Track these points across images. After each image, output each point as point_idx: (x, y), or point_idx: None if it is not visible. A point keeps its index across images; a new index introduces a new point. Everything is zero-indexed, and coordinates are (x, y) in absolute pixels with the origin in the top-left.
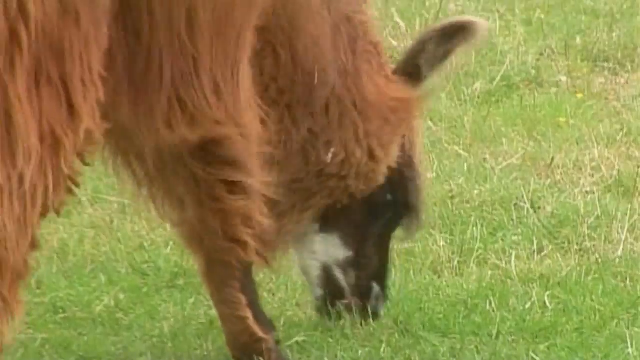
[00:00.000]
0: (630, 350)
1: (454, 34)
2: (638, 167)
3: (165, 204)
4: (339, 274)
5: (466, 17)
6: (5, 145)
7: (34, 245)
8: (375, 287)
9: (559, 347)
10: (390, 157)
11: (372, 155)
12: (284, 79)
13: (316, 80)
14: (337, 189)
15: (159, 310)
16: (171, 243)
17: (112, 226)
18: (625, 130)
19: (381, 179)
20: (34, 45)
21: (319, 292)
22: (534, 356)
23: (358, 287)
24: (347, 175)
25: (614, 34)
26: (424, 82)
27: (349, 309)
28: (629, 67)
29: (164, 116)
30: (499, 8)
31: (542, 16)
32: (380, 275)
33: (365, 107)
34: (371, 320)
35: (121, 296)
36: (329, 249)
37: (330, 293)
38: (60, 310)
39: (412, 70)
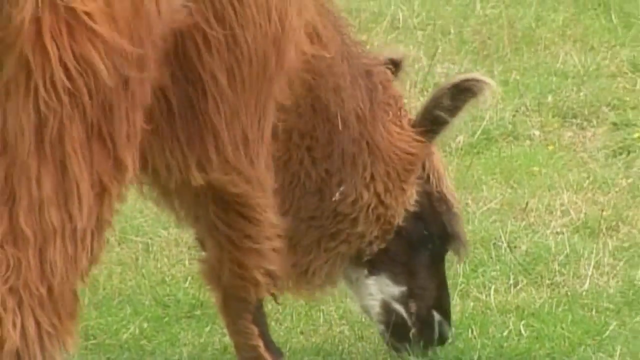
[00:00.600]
0: None
1: (465, 90)
2: (602, 211)
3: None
4: (398, 307)
5: (476, 75)
6: (60, 192)
7: (83, 281)
8: (436, 315)
9: None
10: (401, 205)
11: (380, 200)
12: (305, 124)
13: (340, 126)
14: (352, 234)
15: (179, 337)
16: (189, 278)
17: (137, 263)
18: (591, 179)
19: (394, 225)
20: (89, 105)
21: (382, 327)
22: None
23: (419, 317)
24: (357, 218)
25: (581, 93)
26: (440, 132)
27: (414, 338)
28: (595, 123)
29: (198, 161)
30: (479, 70)
31: (518, 77)
32: (440, 303)
33: (375, 152)
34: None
35: (145, 325)
36: (383, 288)
37: (394, 325)
38: (92, 337)
39: (429, 121)
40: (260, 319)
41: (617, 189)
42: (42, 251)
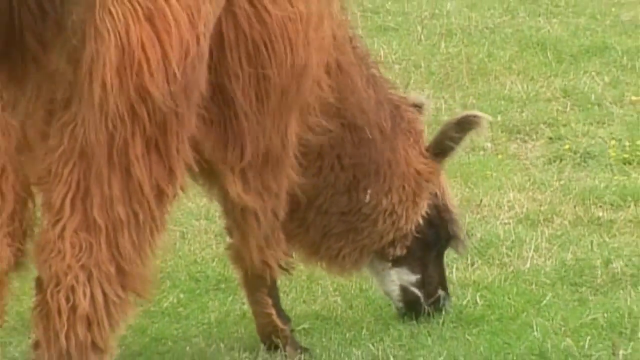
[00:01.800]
0: (535, 333)
1: (466, 124)
2: (540, 206)
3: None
4: (415, 290)
5: (474, 112)
6: (126, 192)
7: (146, 263)
8: (441, 292)
9: (486, 331)
10: (411, 217)
11: (393, 209)
12: (335, 137)
13: (370, 136)
14: (373, 232)
15: (208, 305)
16: (216, 259)
17: (175, 247)
18: (531, 181)
19: (408, 231)
20: (148, 125)
21: (400, 305)
22: (469, 337)
23: (429, 295)
24: (377, 220)
25: (524, 114)
26: (448, 157)
27: (425, 311)
28: (534, 137)
29: (230, 171)
30: (444, 95)
31: (474, 101)
32: (443, 283)
33: (394, 169)
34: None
35: (181, 296)
36: (402, 277)
37: (410, 303)
38: (139, 305)
39: (439, 148)
40: (273, 292)
41: (551, 189)
42: (111, 238)
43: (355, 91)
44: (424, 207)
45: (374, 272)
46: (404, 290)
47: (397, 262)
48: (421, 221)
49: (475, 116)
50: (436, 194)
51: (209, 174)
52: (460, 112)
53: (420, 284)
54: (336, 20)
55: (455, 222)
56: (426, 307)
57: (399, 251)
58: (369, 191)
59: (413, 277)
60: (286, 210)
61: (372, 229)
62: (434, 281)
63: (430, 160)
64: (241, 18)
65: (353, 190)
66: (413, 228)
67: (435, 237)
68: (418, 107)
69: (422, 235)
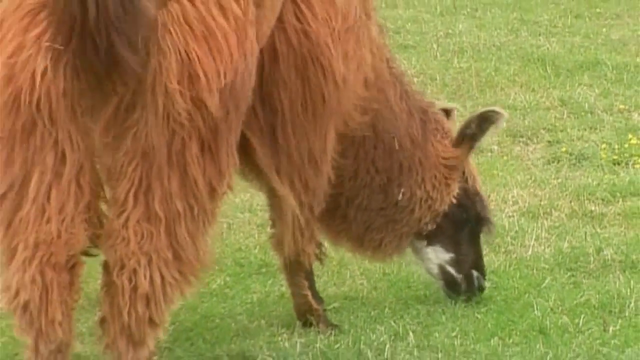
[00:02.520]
0: (536, 312)
1: (488, 118)
2: (540, 201)
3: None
4: (450, 268)
5: (495, 107)
6: (183, 188)
7: (200, 250)
8: (475, 273)
9: (493, 310)
10: (445, 198)
11: (429, 195)
12: (369, 144)
13: (397, 146)
14: (411, 220)
15: (251, 287)
16: (258, 246)
17: (222, 236)
18: (532, 179)
19: (440, 212)
20: (202, 129)
21: (441, 282)
22: (478, 315)
23: (464, 275)
24: (414, 209)
25: (526, 121)
26: (473, 145)
27: (462, 289)
28: (535, 141)
29: (282, 169)
30: (456, 104)
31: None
32: (478, 264)
33: (425, 163)
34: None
35: (227, 279)
36: (438, 255)
37: (447, 282)
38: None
39: (464, 140)
40: (309, 275)
41: (550, 186)
42: (170, 228)
43: (388, 106)
44: (455, 189)
45: (413, 252)
46: (441, 269)
47: (431, 240)
48: (451, 202)
49: (495, 111)
50: (466, 179)
51: (257, 173)
52: (482, 108)
53: (455, 263)
54: (374, 43)
55: (483, 204)
56: (463, 286)
57: (430, 227)
58: (402, 190)
59: (447, 256)
60: (322, 206)
61: (409, 217)
62: (467, 260)
63: (455, 150)
64: (291, 34)
65: (388, 189)
66: (446, 207)
67: (465, 216)
68: (447, 112)
69: (453, 215)
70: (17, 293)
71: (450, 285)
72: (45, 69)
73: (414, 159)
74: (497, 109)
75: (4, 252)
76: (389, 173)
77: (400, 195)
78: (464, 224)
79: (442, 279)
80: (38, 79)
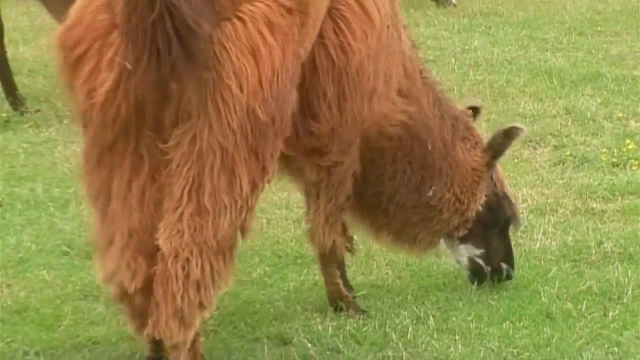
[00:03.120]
0: (543, 299)
1: (512, 133)
2: (547, 199)
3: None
4: (480, 261)
5: (517, 124)
6: (230, 185)
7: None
8: (504, 265)
9: (504, 297)
10: (474, 202)
11: (457, 198)
12: (406, 146)
13: (430, 148)
14: (441, 220)
15: (287, 276)
16: (294, 240)
17: (262, 231)
18: (540, 179)
19: (469, 217)
20: (251, 135)
21: (468, 273)
22: (491, 302)
23: (492, 266)
24: (443, 209)
25: (534, 127)
26: (499, 156)
27: (488, 279)
28: (543, 145)
29: (312, 166)
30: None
31: (496, 117)
32: (507, 258)
33: (454, 167)
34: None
35: (266, 268)
36: (469, 251)
37: (474, 271)
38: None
39: (493, 149)
40: (341, 265)
41: (556, 186)
42: (216, 220)
43: (422, 112)
44: (482, 197)
45: (448, 247)
46: (470, 260)
47: (463, 239)
48: (480, 208)
49: (518, 127)
50: (495, 184)
51: (295, 172)
52: (508, 123)
53: (484, 257)
54: (407, 56)
55: (512, 206)
56: (489, 276)
57: (462, 232)
58: (433, 188)
59: (478, 251)
60: (366, 203)
61: (439, 217)
62: (497, 254)
63: (486, 158)
64: (330, 49)
65: (422, 188)
66: (473, 214)
67: (495, 218)
68: (475, 109)
69: (483, 217)
70: (113, 273)
71: (476, 274)
72: (119, 87)
73: (446, 160)
74: (519, 125)
75: (101, 241)
76: (423, 173)
77: (431, 193)
78: (494, 225)
79: (469, 269)
80: (112, 96)
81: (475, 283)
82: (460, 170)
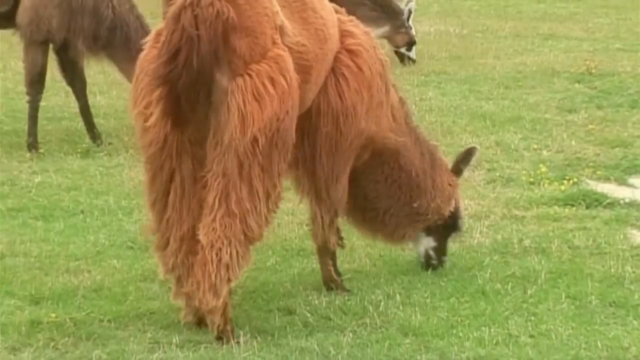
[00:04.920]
0: (479, 281)
1: (471, 152)
2: (482, 208)
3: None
4: (431, 252)
5: (474, 145)
6: (249, 194)
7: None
8: (444, 258)
9: (451, 279)
10: (447, 208)
11: (439, 205)
12: (396, 173)
13: (414, 175)
14: (426, 221)
15: (293, 264)
16: (297, 238)
17: (274, 231)
18: (477, 194)
19: (446, 216)
20: (261, 156)
21: (423, 260)
22: (441, 283)
23: (438, 256)
24: (428, 214)
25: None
26: (461, 173)
27: (435, 265)
28: (479, 168)
29: (315, 188)
30: None
31: (445, 149)
32: (445, 252)
33: (435, 185)
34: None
35: (277, 258)
36: (429, 243)
37: (428, 259)
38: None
39: (456, 169)
40: (332, 256)
41: (488, 199)
42: (242, 220)
43: (407, 149)
44: (454, 202)
45: (415, 238)
46: (426, 252)
47: (428, 232)
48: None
49: (474, 147)
50: (455, 201)
51: (298, 189)
52: (467, 146)
53: (436, 250)
54: (394, 106)
55: (461, 219)
56: (435, 263)
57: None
58: (417, 202)
59: (434, 244)
60: (367, 216)
61: (425, 219)
62: (443, 249)
63: (453, 176)
64: (331, 98)
65: (410, 201)
66: (448, 214)
67: (453, 222)
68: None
69: (442, 223)
70: (172, 269)
71: (430, 262)
72: (166, 119)
73: (427, 183)
74: (475, 146)
75: (159, 240)
76: (410, 192)
77: (416, 204)
78: (449, 228)
79: (425, 257)
80: (161, 125)
81: (431, 269)
82: (439, 187)
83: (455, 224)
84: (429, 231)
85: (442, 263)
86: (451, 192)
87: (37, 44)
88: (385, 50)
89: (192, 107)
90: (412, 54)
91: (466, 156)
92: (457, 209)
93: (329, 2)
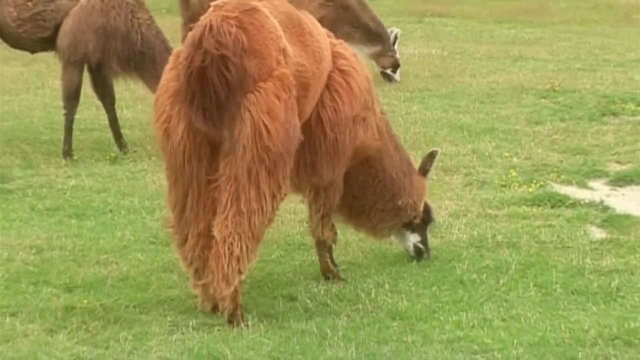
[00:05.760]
0: (458, 271)
1: (433, 154)
2: (460, 208)
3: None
4: (420, 245)
5: (436, 149)
6: (257, 196)
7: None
8: (429, 250)
9: (433, 270)
10: (421, 205)
11: (415, 202)
12: (380, 173)
13: (394, 176)
14: (404, 216)
15: (295, 257)
16: (299, 234)
17: (278, 228)
18: (456, 195)
19: (420, 212)
20: (269, 162)
21: (412, 253)
22: (425, 273)
23: (425, 248)
24: (407, 210)
25: (452, 162)
26: (428, 174)
27: (422, 256)
28: (458, 173)
29: (310, 180)
30: (412, 153)
31: None
32: (427, 242)
33: (413, 185)
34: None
35: (281, 252)
36: (414, 238)
37: (417, 253)
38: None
39: (423, 171)
40: (329, 250)
41: (466, 199)
42: (250, 219)
43: (388, 154)
44: (423, 204)
45: (399, 235)
46: (415, 245)
47: (410, 229)
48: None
49: (435, 150)
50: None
51: (301, 190)
52: (430, 150)
53: (422, 242)
54: (378, 117)
55: (432, 211)
56: (424, 254)
57: (417, 221)
58: (400, 200)
59: (418, 238)
60: (355, 212)
61: (405, 214)
62: (426, 241)
63: (423, 178)
64: (327, 109)
65: (393, 200)
66: (421, 211)
67: (427, 217)
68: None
69: (424, 216)
70: (191, 263)
71: (418, 253)
72: (184, 131)
73: (405, 183)
74: (435, 149)
75: (178, 237)
76: (393, 191)
77: (400, 202)
78: (425, 221)
79: (413, 250)
80: (180, 137)
81: (415, 261)
82: (415, 186)
83: (429, 216)
84: (413, 229)
85: (429, 252)
86: (422, 191)
87: (74, 65)
88: (373, 70)
89: (209, 120)
90: (397, 75)
91: (430, 159)
92: (426, 204)
93: (322, 28)
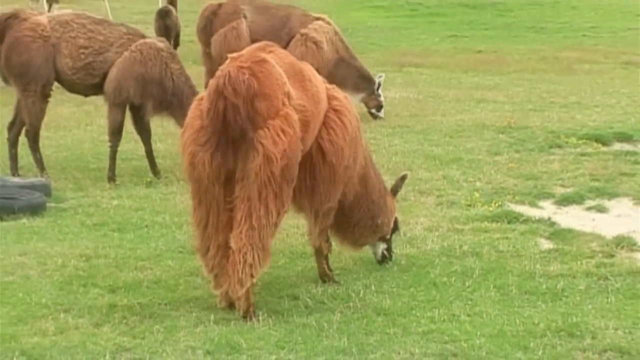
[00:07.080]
0: (431, 275)
1: (402, 179)
2: (433, 224)
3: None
4: (386, 252)
5: (405, 172)
6: (266, 212)
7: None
8: (392, 255)
9: (410, 274)
10: (392, 220)
11: (389, 219)
12: (363, 199)
13: (374, 198)
14: (380, 232)
15: (297, 263)
16: (300, 244)
17: (283, 240)
18: (430, 213)
19: (392, 226)
20: (275, 183)
21: (379, 258)
22: (404, 277)
23: (389, 254)
24: (384, 226)
25: (426, 186)
26: (397, 194)
27: (387, 260)
28: (431, 195)
29: (314, 208)
30: (391, 178)
31: (408, 181)
32: (391, 251)
33: (387, 205)
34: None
35: (286, 259)
36: (382, 246)
37: (384, 257)
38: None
39: (394, 191)
40: (326, 257)
41: (437, 217)
42: (260, 232)
43: (370, 178)
44: (392, 222)
45: (372, 245)
46: (382, 252)
47: (381, 240)
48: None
49: (405, 174)
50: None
51: (301, 209)
52: (400, 174)
53: (387, 249)
54: (364, 149)
55: (398, 223)
56: (388, 259)
57: (388, 235)
58: (380, 218)
59: (385, 246)
60: (341, 228)
61: (383, 230)
62: (390, 248)
63: (394, 197)
64: (325, 141)
65: (372, 217)
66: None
67: (395, 228)
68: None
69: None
70: (212, 269)
71: (384, 259)
72: (207, 162)
73: (382, 204)
74: (405, 173)
75: (202, 248)
76: (373, 210)
77: (379, 221)
78: (394, 232)
79: (380, 256)
80: (204, 166)
81: (383, 264)
82: (389, 206)
83: (396, 228)
84: (382, 239)
85: (392, 257)
86: (393, 209)
87: (118, 106)
88: (361, 109)
89: (227, 153)
90: (381, 113)
91: (401, 181)
92: (395, 219)
93: (319, 75)
